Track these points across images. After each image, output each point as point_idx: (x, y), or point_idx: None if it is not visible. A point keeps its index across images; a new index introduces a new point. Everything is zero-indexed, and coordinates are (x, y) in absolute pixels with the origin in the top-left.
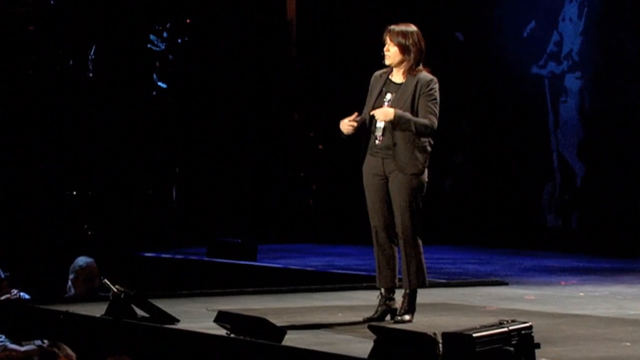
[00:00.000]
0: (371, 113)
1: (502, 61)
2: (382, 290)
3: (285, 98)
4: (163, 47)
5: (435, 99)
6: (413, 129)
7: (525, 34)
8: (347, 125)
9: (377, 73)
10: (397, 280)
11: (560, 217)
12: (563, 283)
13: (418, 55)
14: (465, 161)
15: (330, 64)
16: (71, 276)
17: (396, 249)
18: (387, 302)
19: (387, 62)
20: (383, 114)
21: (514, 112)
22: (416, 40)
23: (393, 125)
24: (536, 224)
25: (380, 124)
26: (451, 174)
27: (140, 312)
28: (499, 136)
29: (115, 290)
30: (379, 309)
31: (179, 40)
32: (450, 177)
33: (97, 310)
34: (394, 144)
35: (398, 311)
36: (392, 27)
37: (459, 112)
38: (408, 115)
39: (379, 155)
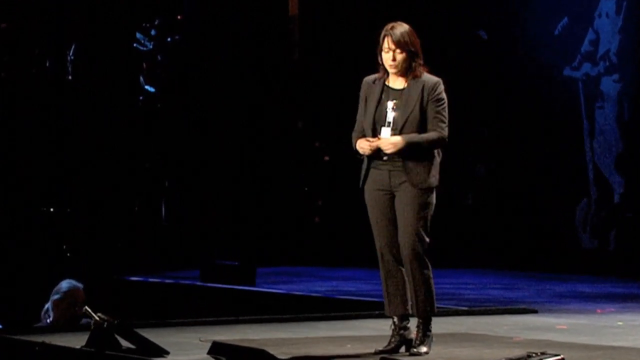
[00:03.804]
0: (379, 144)
1: (531, 62)
2: (395, 319)
3: (288, 103)
4: (151, 46)
5: (444, 103)
6: (425, 147)
7: (556, 32)
8: (373, 146)
9: (369, 79)
10: (409, 307)
11: (596, 238)
12: (599, 311)
13: (421, 57)
14: (488, 174)
15: (337, 65)
16: (54, 297)
17: (403, 270)
18: (402, 331)
19: (392, 71)
20: (392, 145)
21: (543, 119)
22: (417, 42)
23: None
24: (569, 244)
25: (386, 136)
26: (472, 188)
27: (125, 343)
28: (527, 146)
29: (97, 318)
30: (393, 339)
31: (169, 39)
32: (471, 192)
33: (77, 340)
34: (405, 157)
35: (413, 342)
36: (392, 31)
37: (481, 119)
38: (416, 137)
39: (385, 168)
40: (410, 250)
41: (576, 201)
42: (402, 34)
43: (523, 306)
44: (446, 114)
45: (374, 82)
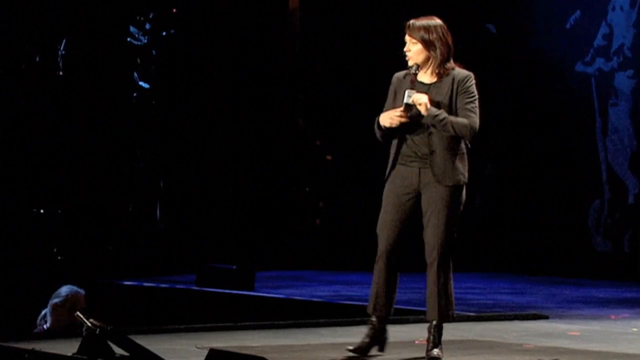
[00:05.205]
0: (412, 99)
1: (542, 57)
2: (374, 319)
3: (288, 100)
4: (145, 40)
5: (474, 97)
6: (450, 128)
7: (568, 26)
8: (397, 118)
9: (400, 74)
10: (392, 310)
11: (610, 240)
12: (613, 317)
13: (445, 51)
14: (496, 173)
15: (340, 60)
16: (53, 301)
17: (399, 275)
18: (378, 333)
19: (410, 63)
20: (425, 102)
21: (554, 116)
22: (441, 34)
23: (426, 120)
24: (581, 247)
25: (409, 96)
26: (480, 188)
27: (118, 351)
28: (537, 144)
29: (89, 324)
30: (366, 339)
31: (164, 33)
32: (479, 192)
33: (69, 347)
34: (432, 152)
35: (428, 346)
36: (412, 22)
37: (490, 115)
38: (442, 112)
39: (415, 165)
40: (438, 252)
41: (589, 202)
42: (421, 25)
43: (533, 312)
44: (477, 107)
45: (404, 77)
